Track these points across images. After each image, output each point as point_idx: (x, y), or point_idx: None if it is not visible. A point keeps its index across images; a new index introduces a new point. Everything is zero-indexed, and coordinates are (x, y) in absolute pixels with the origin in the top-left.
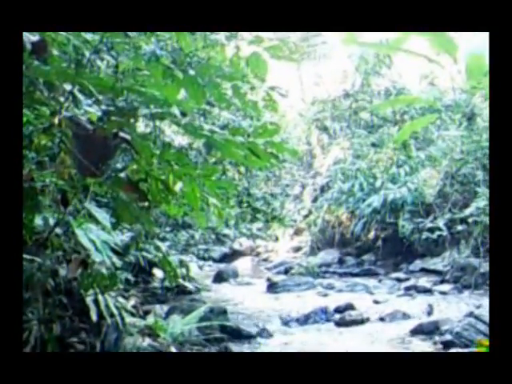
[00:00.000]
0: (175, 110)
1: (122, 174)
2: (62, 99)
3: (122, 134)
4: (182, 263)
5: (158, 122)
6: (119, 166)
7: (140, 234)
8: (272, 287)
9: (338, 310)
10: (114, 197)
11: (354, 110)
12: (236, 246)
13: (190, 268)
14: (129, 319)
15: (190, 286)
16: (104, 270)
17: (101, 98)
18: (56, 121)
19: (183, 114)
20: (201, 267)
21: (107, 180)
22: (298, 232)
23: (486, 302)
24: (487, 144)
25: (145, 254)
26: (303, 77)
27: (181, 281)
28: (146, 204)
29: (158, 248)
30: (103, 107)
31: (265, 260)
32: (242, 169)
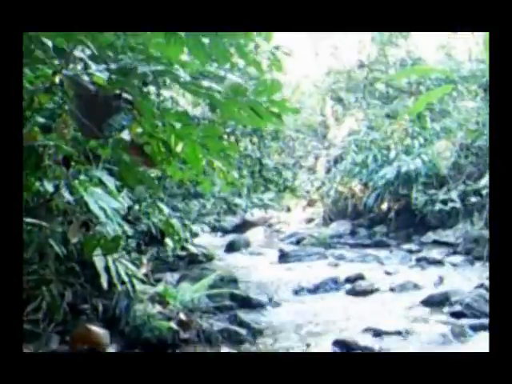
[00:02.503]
0: (180, 73)
1: (126, 136)
2: (64, 59)
3: (124, 95)
4: (185, 226)
5: (168, 92)
6: (121, 127)
7: (143, 196)
8: (283, 257)
9: (348, 280)
10: (118, 159)
11: (369, 81)
12: (248, 217)
13: (193, 231)
14: (139, 286)
15: (196, 251)
16: (106, 232)
17: (103, 57)
18: (57, 80)
19: (203, 75)
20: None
21: (109, 141)
22: (310, 203)
23: None
24: None
25: (154, 219)
26: (318, 47)
27: (190, 247)
28: (152, 169)
29: (160, 210)
30: (103, 66)
31: (277, 231)
32: (255, 139)
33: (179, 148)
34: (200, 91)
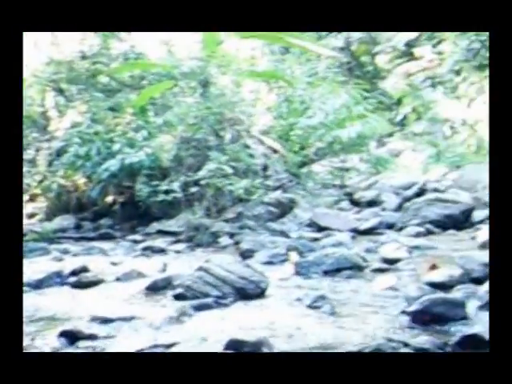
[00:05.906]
0: None
1: None
2: None
3: None
4: None
5: None
6: None
7: None
8: None
9: (73, 273)
10: None
11: (91, 73)
12: None
13: None
14: None
15: None
16: None
17: None
18: None
19: None
20: None
21: None
22: (32, 198)
23: (214, 256)
24: (219, 110)
25: None
26: (38, 36)
27: None
28: None
29: None
30: None
31: None
32: None
33: None
34: None
